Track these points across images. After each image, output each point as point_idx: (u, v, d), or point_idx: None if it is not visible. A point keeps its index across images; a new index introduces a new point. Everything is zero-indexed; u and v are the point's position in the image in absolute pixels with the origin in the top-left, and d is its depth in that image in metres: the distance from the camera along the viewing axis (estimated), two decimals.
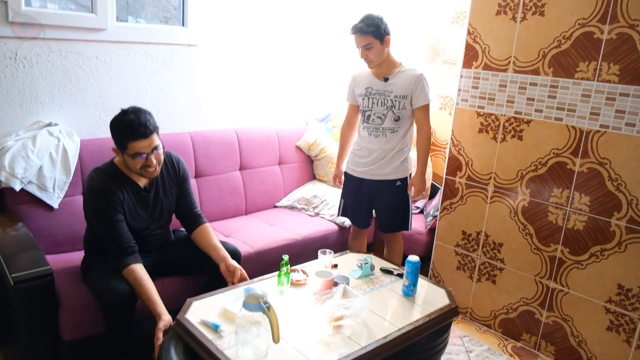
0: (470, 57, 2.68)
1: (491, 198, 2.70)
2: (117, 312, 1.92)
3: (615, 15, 2.17)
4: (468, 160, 2.77)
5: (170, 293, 2.11)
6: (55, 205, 2.39)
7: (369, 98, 2.60)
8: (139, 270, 1.96)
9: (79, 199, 2.39)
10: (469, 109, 2.72)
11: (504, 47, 2.54)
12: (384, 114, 2.58)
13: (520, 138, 2.54)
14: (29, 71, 2.44)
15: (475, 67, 2.66)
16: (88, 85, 2.64)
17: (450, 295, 2.16)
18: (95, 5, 2.55)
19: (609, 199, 2.29)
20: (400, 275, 2.25)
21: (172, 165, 2.24)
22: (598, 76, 2.26)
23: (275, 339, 1.61)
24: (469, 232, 2.83)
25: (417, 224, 3.21)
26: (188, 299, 1.92)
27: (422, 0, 3.64)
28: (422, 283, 2.23)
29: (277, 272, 2.14)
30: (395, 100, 2.54)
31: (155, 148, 2.01)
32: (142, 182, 2.13)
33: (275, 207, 3.30)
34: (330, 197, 3.21)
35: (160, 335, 1.81)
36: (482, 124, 2.68)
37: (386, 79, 2.56)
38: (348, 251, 2.60)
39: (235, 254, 2.27)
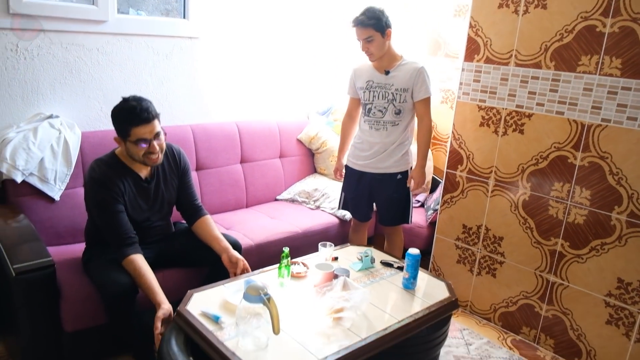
0: (472, 50, 2.67)
1: (492, 192, 2.70)
2: (118, 303, 1.93)
3: (618, 9, 2.16)
4: (469, 154, 2.77)
5: (171, 285, 2.12)
6: (57, 197, 2.40)
7: (369, 91, 2.60)
8: (139, 260, 1.97)
9: (80, 191, 2.39)
10: (470, 103, 2.72)
11: (506, 41, 2.53)
12: (384, 107, 2.58)
13: (521, 132, 2.54)
14: (30, 63, 2.44)
15: (477, 61, 2.66)
16: (89, 78, 2.64)
17: (450, 288, 2.17)
18: None
19: (609, 193, 2.29)
20: (401, 268, 2.26)
21: (173, 157, 2.24)
22: (600, 70, 2.25)
23: (276, 330, 1.62)
24: (469, 225, 2.83)
25: (418, 217, 3.21)
26: (189, 291, 1.92)
27: None
28: (422, 276, 2.23)
29: (277, 265, 2.14)
30: (396, 94, 2.54)
31: (157, 135, 2.02)
32: (143, 173, 2.13)
33: (276, 200, 3.31)
34: (331, 190, 3.22)
35: (159, 324, 1.82)
36: (483, 117, 2.68)
37: (387, 72, 2.56)
38: (348, 244, 2.61)
39: (236, 246, 2.28)
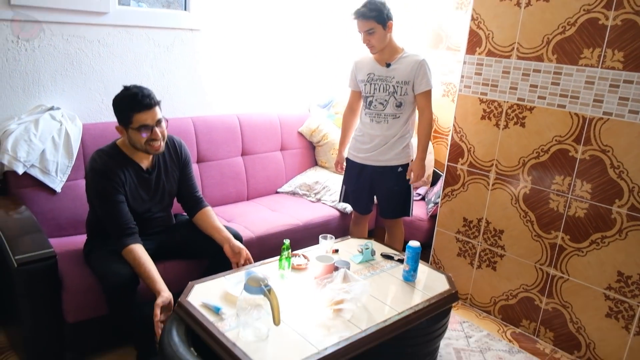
0: (473, 43, 2.66)
1: (493, 185, 2.70)
2: (119, 294, 1.94)
3: (620, 2, 2.15)
4: (470, 147, 2.76)
5: (172, 276, 2.13)
6: (58, 189, 2.41)
7: (370, 84, 2.59)
8: (138, 250, 1.98)
9: (82, 182, 2.39)
10: (471, 96, 2.71)
11: (508, 33, 2.52)
12: (385, 100, 2.57)
13: (522, 125, 2.54)
14: (31, 55, 2.43)
15: (479, 54, 2.65)
16: (90, 70, 2.64)
17: (450, 280, 2.18)
18: None
19: (610, 187, 2.29)
20: (401, 261, 2.26)
21: (174, 149, 2.25)
22: (602, 63, 2.24)
23: (276, 321, 1.63)
24: (470, 219, 2.83)
25: (419, 210, 3.21)
26: (190, 282, 1.93)
27: None
28: (423, 269, 2.24)
29: (278, 257, 2.15)
30: (397, 86, 2.54)
31: (159, 122, 2.03)
32: (145, 163, 2.14)
33: (277, 192, 3.31)
34: (331, 183, 3.22)
35: (158, 311, 1.83)
36: (484, 110, 2.67)
37: (388, 65, 2.55)
38: (349, 237, 2.62)
39: (236, 238, 2.28)
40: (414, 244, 2.10)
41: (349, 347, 1.66)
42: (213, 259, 2.25)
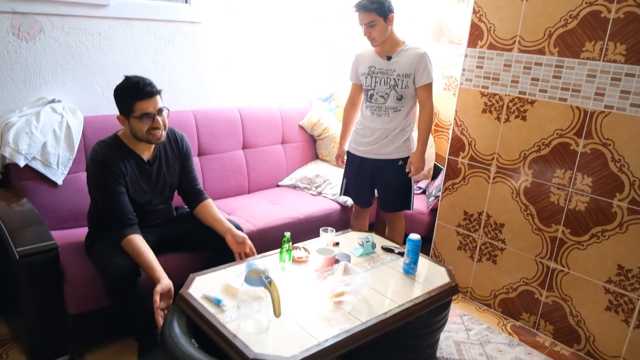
0: (475, 36, 2.65)
1: (493, 178, 2.70)
2: (120, 286, 1.95)
3: None
4: (471, 141, 2.76)
5: (173, 269, 2.14)
6: (59, 182, 2.41)
7: (371, 77, 2.59)
8: (138, 239, 1.99)
9: (83, 175, 2.40)
10: (473, 89, 2.71)
11: (510, 26, 2.51)
12: (386, 93, 2.57)
13: (524, 118, 2.53)
14: (32, 47, 2.43)
15: (480, 47, 2.64)
16: (91, 62, 2.63)
17: (450, 273, 2.18)
18: None
19: (611, 180, 2.29)
20: (401, 254, 2.27)
21: (175, 142, 2.25)
22: (604, 56, 2.23)
23: (277, 313, 1.64)
24: (470, 212, 2.84)
25: (419, 204, 3.22)
26: (191, 274, 1.94)
27: None
28: (423, 262, 2.25)
29: (279, 249, 2.15)
30: (398, 79, 2.53)
31: (161, 111, 2.04)
32: (146, 155, 2.14)
33: (278, 186, 3.32)
34: (332, 176, 3.22)
35: (157, 297, 1.84)
36: (485, 104, 2.67)
37: (389, 58, 2.55)
38: (350, 230, 2.62)
39: (237, 229, 2.28)
40: (415, 236, 2.10)
41: (349, 339, 1.67)
42: (214, 251, 2.26)
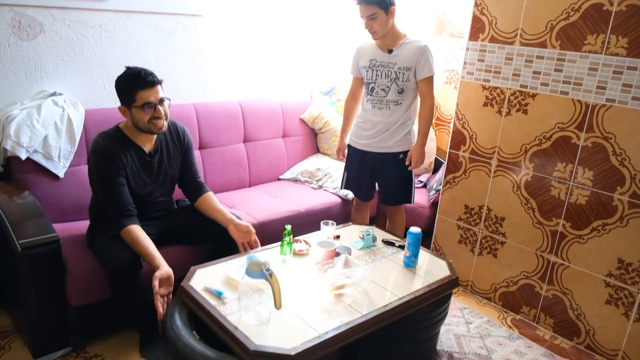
0: (476, 29, 2.64)
1: (494, 172, 2.70)
2: (122, 278, 1.96)
3: None
4: (472, 134, 2.76)
5: (175, 261, 2.14)
6: (61, 175, 2.41)
7: (372, 70, 2.58)
8: (136, 229, 2.00)
9: (84, 168, 2.40)
10: (474, 83, 2.70)
11: (512, 19, 2.50)
12: (387, 86, 2.56)
13: (525, 112, 2.53)
14: (32, 40, 2.43)
15: (482, 40, 2.63)
16: (92, 55, 2.63)
17: (450, 266, 2.19)
18: None
19: (612, 174, 2.29)
20: (402, 247, 2.27)
21: (177, 134, 2.26)
22: (606, 49, 2.23)
23: (277, 305, 1.64)
24: (471, 206, 2.84)
25: (420, 197, 3.22)
26: (192, 267, 1.95)
27: None
28: (424, 255, 2.25)
29: (279, 242, 2.16)
30: (399, 72, 2.53)
31: (162, 101, 2.05)
32: (147, 147, 2.15)
33: (279, 179, 3.32)
34: (333, 170, 3.22)
35: (156, 282, 1.85)
36: (487, 97, 2.66)
37: (390, 51, 2.54)
38: (350, 223, 2.62)
39: None
40: (415, 230, 2.10)
41: (350, 332, 1.67)
42: (215, 244, 2.27)
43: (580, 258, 2.44)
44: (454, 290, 2.49)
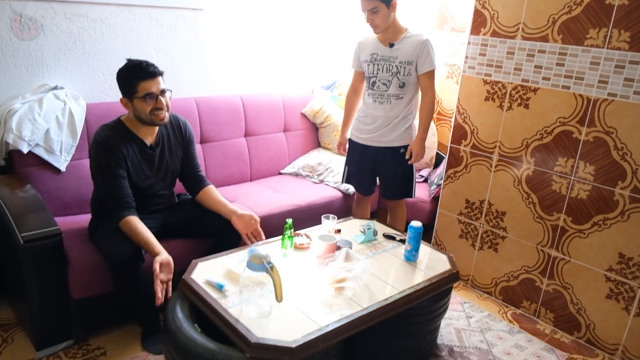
0: (478, 23, 2.64)
1: (495, 167, 2.70)
2: (124, 271, 1.97)
3: None
4: (473, 129, 2.76)
5: (176, 255, 2.13)
6: (63, 168, 2.42)
7: (374, 64, 2.58)
8: (134, 220, 2.01)
9: (86, 162, 2.40)
10: (475, 77, 2.70)
11: (513, 13, 2.49)
12: (389, 80, 2.56)
13: (526, 106, 2.53)
14: (34, 34, 2.42)
15: (484, 34, 2.63)
16: (93, 49, 2.63)
17: (451, 260, 2.19)
18: None
19: (613, 168, 2.29)
20: (403, 241, 2.28)
21: (178, 128, 2.26)
22: (608, 43, 2.22)
23: (278, 298, 1.65)
24: (472, 200, 2.84)
25: (421, 192, 3.22)
26: (193, 260, 1.96)
27: None
28: (424, 249, 2.25)
29: (280, 236, 2.16)
30: (400, 66, 2.52)
31: (163, 92, 2.06)
32: (149, 139, 2.15)
33: (280, 174, 3.32)
34: (334, 164, 3.22)
35: (157, 265, 1.86)
36: (488, 92, 2.66)
37: (391, 45, 2.53)
38: (351, 217, 2.63)
39: None
40: (416, 224, 2.11)
41: (350, 324, 1.68)
42: (217, 237, 2.27)
43: (581, 253, 2.45)
44: (454, 285, 2.49)
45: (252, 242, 2.21)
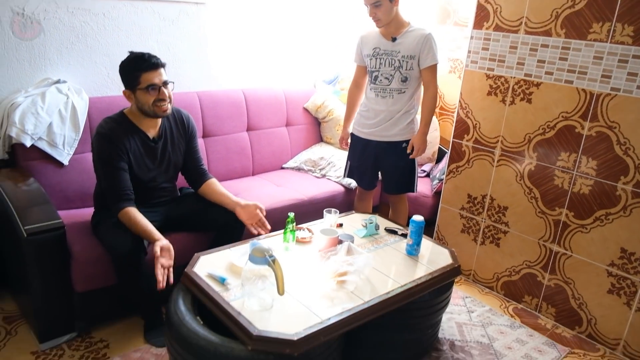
0: (481, 17, 2.63)
1: (498, 161, 2.70)
2: (126, 263, 1.97)
3: None
4: (476, 124, 2.75)
5: (179, 248, 2.14)
6: (65, 162, 2.43)
7: (376, 58, 2.57)
8: (133, 210, 2.02)
9: (89, 156, 2.41)
10: (478, 71, 2.69)
11: (516, 7, 2.48)
12: (391, 75, 2.56)
13: (529, 101, 2.52)
14: (36, 28, 2.43)
15: (486, 28, 2.62)
16: (96, 43, 2.63)
17: (453, 255, 2.20)
18: None
19: (616, 163, 2.28)
20: (405, 235, 2.28)
21: (181, 121, 2.26)
22: (611, 37, 2.21)
23: (280, 291, 1.65)
24: (474, 195, 2.84)
25: (423, 187, 3.22)
26: (196, 254, 1.97)
27: None
28: (426, 243, 2.26)
29: (283, 230, 2.17)
30: (403, 61, 2.52)
31: (166, 83, 2.07)
32: (151, 132, 2.16)
33: (282, 168, 3.33)
34: (336, 159, 3.22)
35: (157, 248, 1.88)
36: (491, 86, 2.65)
37: (394, 39, 2.53)
38: (353, 211, 2.63)
39: None
40: (418, 218, 2.11)
41: (352, 318, 1.69)
42: (219, 231, 2.28)
43: (582, 247, 2.45)
44: (456, 279, 2.50)
45: (257, 233, 2.21)
